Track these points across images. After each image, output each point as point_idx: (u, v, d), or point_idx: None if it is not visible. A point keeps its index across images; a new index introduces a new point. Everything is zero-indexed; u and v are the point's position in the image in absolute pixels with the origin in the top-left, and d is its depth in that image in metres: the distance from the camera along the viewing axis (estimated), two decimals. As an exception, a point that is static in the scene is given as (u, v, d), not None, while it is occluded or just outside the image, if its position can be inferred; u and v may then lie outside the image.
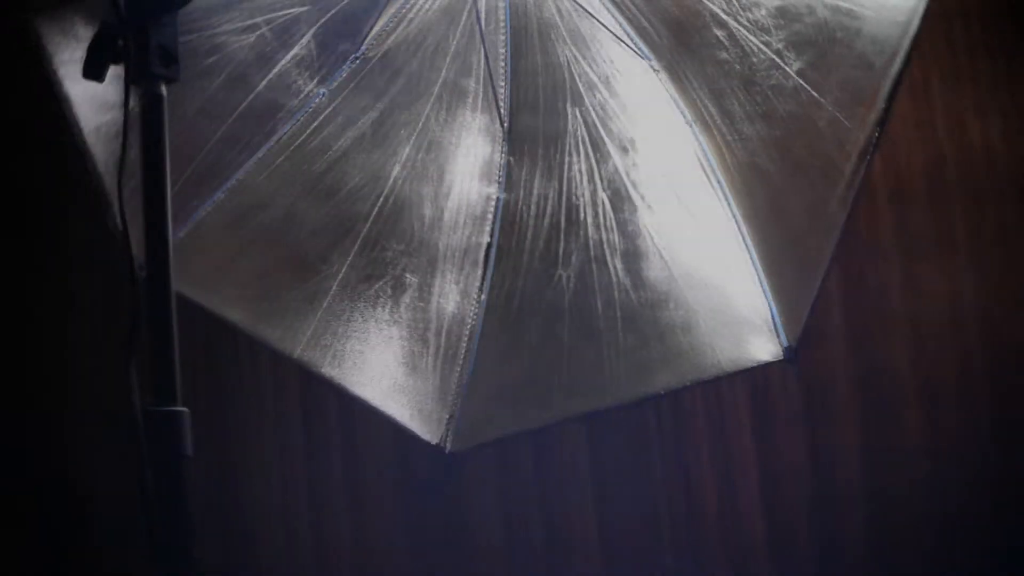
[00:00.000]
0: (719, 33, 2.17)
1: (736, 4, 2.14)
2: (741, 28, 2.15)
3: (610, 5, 2.21)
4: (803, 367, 3.11)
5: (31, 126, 2.87)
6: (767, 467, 3.37)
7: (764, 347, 2.24)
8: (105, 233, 1.82)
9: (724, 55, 2.18)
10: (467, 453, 2.39)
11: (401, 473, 3.14)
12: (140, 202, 1.25)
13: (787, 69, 2.13)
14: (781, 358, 2.20)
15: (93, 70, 1.32)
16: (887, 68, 2.03)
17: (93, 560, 2.88)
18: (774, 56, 2.13)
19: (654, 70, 2.25)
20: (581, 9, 2.19)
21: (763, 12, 2.12)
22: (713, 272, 2.31)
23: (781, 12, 2.12)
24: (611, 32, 2.18)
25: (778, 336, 2.23)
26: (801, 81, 2.12)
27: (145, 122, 1.29)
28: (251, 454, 3.05)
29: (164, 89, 1.29)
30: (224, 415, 3.05)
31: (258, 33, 2.12)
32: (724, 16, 2.15)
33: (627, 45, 2.19)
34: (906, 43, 2.00)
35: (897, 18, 2.03)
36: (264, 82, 2.15)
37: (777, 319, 2.24)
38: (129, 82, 1.29)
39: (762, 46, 2.14)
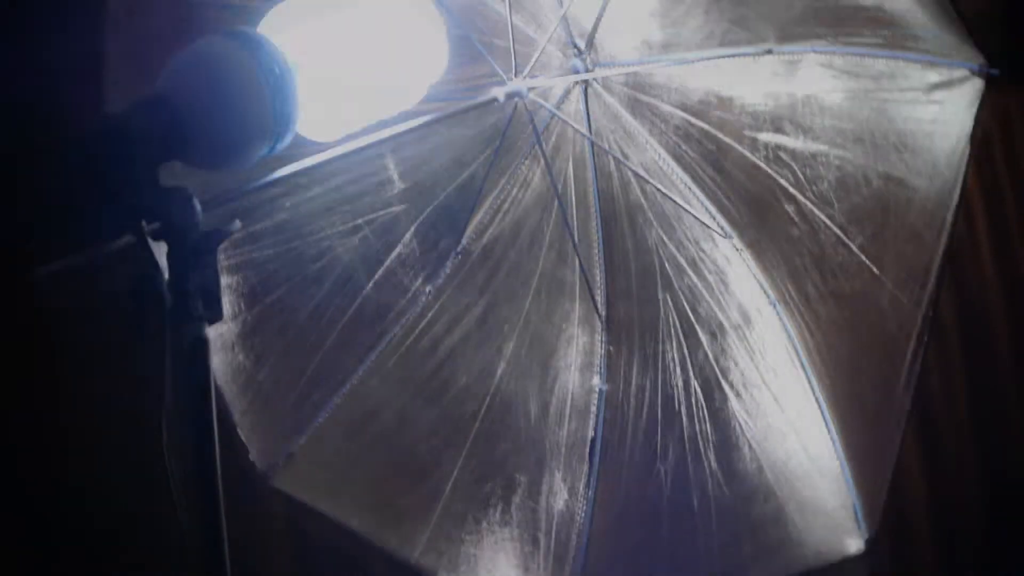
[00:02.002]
0: (789, 208, 2.53)
1: (802, 177, 2.51)
2: (808, 202, 2.50)
3: (690, 182, 2.65)
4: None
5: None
6: None
7: (848, 539, 2.48)
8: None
9: (795, 231, 2.51)
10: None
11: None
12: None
13: (851, 245, 2.44)
14: (863, 550, 2.47)
15: (132, 329, 1.48)
16: (936, 242, 2.36)
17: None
18: (839, 231, 2.46)
19: (736, 249, 2.66)
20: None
21: (825, 185, 2.49)
22: (801, 461, 2.52)
23: (841, 184, 2.46)
24: (694, 215, 2.65)
25: (859, 527, 2.50)
26: (863, 258, 2.42)
27: (190, 368, 1.49)
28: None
29: (207, 331, 1.52)
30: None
31: (361, 235, 2.59)
32: (792, 190, 2.53)
33: (710, 225, 2.65)
34: (950, 216, 2.34)
35: (944, 187, 2.37)
36: (371, 284, 2.62)
37: (859, 510, 2.51)
38: (170, 329, 1.50)
39: (827, 221, 2.48)
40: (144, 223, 1.58)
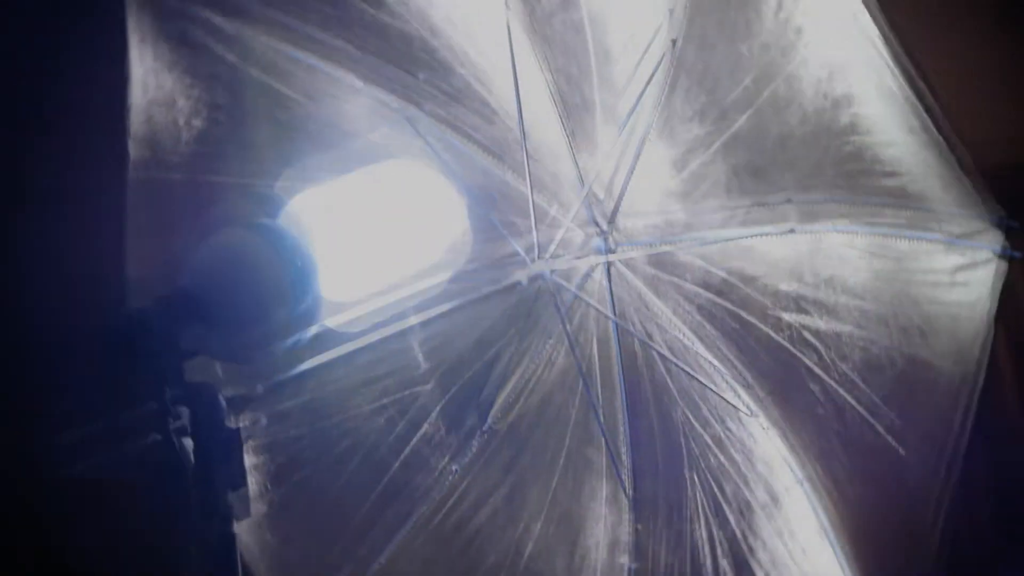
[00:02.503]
0: (815, 388, 2.54)
1: (827, 358, 2.54)
2: (833, 382, 2.52)
3: (715, 361, 2.67)
4: None
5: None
6: None
7: None
8: None
9: (821, 410, 2.52)
10: None
11: None
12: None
13: (877, 426, 2.47)
14: None
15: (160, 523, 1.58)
16: (963, 423, 2.37)
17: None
18: (864, 412, 2.47)
19: (763, 428, 2.67)
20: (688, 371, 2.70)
21: (850, 365, 2.51)
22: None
23: (866, 364, 2.47)
24: (719, 395, 2.66)
25: None
26: (890, 439, 2.45)
27: (217, 564, 1.53)
28: None
29: (235, 527, 1.56)
30: None
31: (387, 415, 2.60)
32: (817, 370, 2.55)
33: (735, 405, 2.66)
34: (975, 398, 2.36)
35: (968, 369, 2.39)
36: (398, 463, 2.62)
37: None
38: (197, 524, 1.54)
39: (853, 402, 2.49)
40: (171, 420, 1.60)
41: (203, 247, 1.91)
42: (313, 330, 1.91)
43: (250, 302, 1.80)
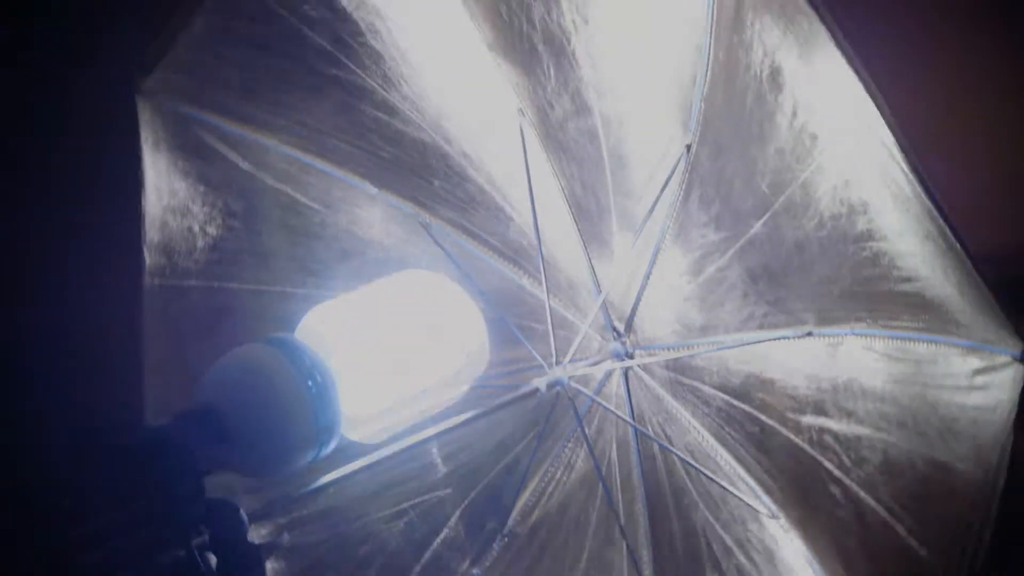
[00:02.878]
0: (835, 490, 2.54)
1: (847, 460, 2.54)
2: (854, 484, 2.52)
3: (735, 464, 2.67)
4: None
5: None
6: None
7: None
8: None
9: (842, 512, 2.53)
10: None
11: None
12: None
13: (898, 528, 2.47)
14: None
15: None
16: (984, 526, 2.37)
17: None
18: (885, 514, 2.47)
19: (784, 529, 2.66)
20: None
21: (871, 468, 2.51)
22: None
23: (886, 467, 2.47)
24: (740, 497, 2.66)
25: None
26: (911, 541, 2.44)
27: None
28: None
29: None
30: None
31: (407, 519, 2.64)
32: (838, 473, 2.55)
33: (756, 507, 2.66)
34: (995, 503, 2.36)
35: (989, 473, 2.39)
36: (418, 567, 2.67)
37: None
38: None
39: (874, 503, 2.49)
40: (193, 536, 1.62)
41: (221, 363, 1.93)
42: (333, 444, 1.93)
43: (269, 418, 1.82)
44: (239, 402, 1.81)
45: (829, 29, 1.99)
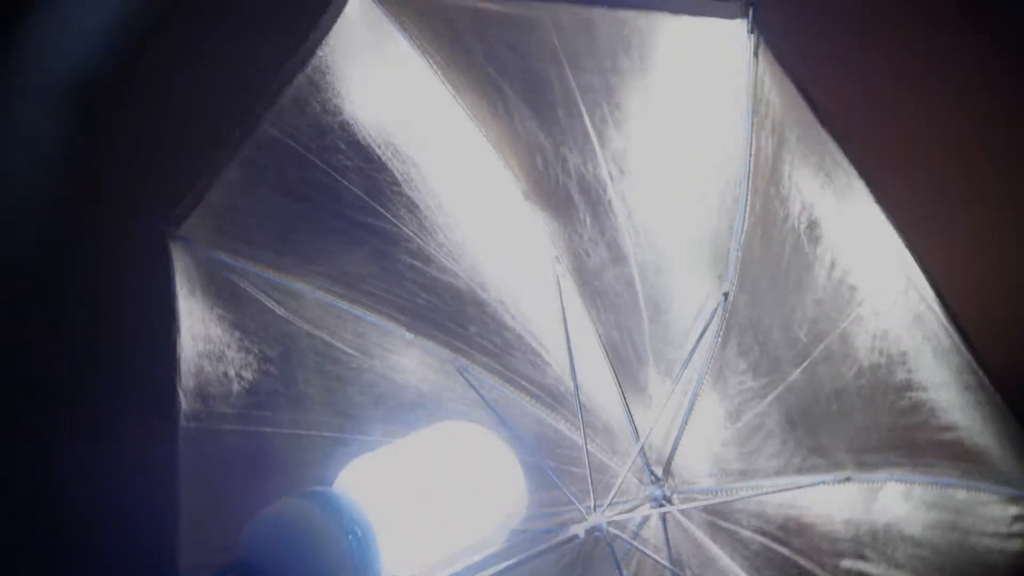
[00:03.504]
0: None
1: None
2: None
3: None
4: None
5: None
6: None
7: None
8: None
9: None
10: None
11: None
12: None
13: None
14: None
15: None
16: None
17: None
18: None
19: None
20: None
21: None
22: None
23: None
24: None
25: None
26: None
27: None
28: None
29: None
30: None
31: None
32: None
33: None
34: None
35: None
36: None
37: None
38: None
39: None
40: None
41: (261, 518, 1.94)
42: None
43: (309, 573, 1.83)
44: (280, 560, 1.82)
45: (868, 184, 2.04)
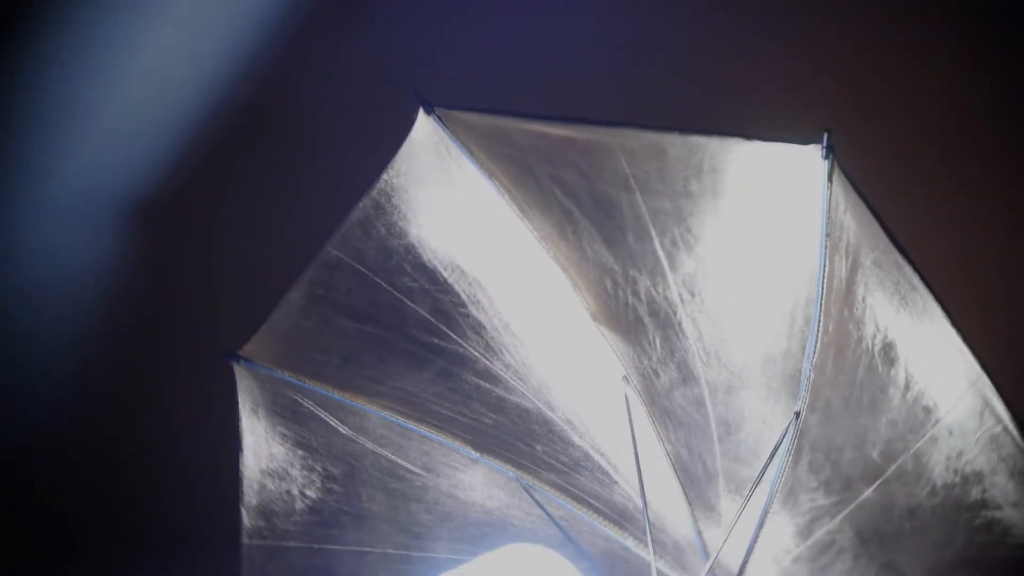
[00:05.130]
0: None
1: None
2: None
3: None
4: None
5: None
6: None
7: None
8: None
9: None
10: None
11: None
12: None
13: None
14: None
15: None
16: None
17: None
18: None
19: None
20: None
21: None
22: None
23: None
24: None
25: None
26: None
27: None
28: None
29: None
30: None
31: None
32: None
33: None
34: None
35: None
36: None
37: None
38: None
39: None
40: None
41: None
42: None
43: None
44: None
45: (944, 307, 2.11)
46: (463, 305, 2.76)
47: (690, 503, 2.73)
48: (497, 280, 2.75)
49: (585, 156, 2.47)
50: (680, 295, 2.54)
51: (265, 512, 3.06)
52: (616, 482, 2.83)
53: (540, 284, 2.71)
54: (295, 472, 3.04)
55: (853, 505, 2.50)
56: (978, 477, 2.29)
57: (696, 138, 2.29)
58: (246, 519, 3.06)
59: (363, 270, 2.79)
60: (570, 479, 2.87)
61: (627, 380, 2.71)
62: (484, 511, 2.97)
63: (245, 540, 3.07)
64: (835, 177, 2.20)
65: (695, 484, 2.73)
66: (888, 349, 2.30)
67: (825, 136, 2.17)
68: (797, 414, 2.53)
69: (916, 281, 2.15)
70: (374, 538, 3.04)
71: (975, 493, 2.31)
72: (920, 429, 2.32)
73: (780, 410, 2.56)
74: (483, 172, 2.64)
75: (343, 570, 3.06)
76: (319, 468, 3.03)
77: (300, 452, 3.02)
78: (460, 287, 2.75)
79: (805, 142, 2.21)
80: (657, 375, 2.67)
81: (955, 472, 2.31)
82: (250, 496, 3.05)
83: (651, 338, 2.63)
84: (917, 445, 2.34)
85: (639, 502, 2.74)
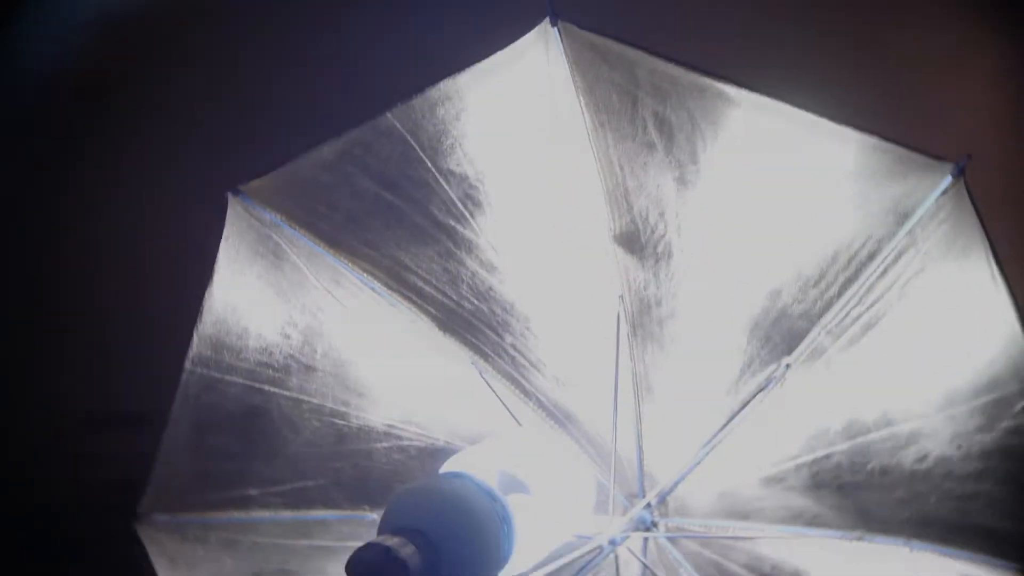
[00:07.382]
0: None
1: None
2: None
3: None
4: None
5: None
6: None
7: None
8: None
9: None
10: None
11: None
12: None
13: None
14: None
15: None
16: None
17: None
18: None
19: None
20: None
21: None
22: None
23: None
24: None
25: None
26: None
27: None
28: None
29: None
30: None
31: None
32: None
33: None
34: None
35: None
36: None
37: None
38: None
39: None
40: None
41: (422, 491, 2.25)
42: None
43: (476, 545, 2.18)
44: (449, 529, 2.10)
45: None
46: (496, 200, 2.95)
47: (640, 421, 3.02)
48: (538, 186, 2.98)
49: (703, 109, 2.74)
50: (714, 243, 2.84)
51: (216, 344, 3.16)
52: (574, 386, 3.08)
53: (577, 200, 2.97)
54: (258, 312, 3.15)
55: (820, 453, 2.83)
56: (984, 456, 2.62)
57: (841, 128, 2.61)
58: (196, 346, 3.16)
59: (412, 143, 2.94)
60: (528, 375, 3.09)
61: (622, 299, 2.97)
62: (430, 387, 3.17)
63: (188, 365, 3.16)
64: (953, 193, 2.55)
65: (652, 401, 3.03)
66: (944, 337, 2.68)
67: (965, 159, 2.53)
68: (788, 366, 2.86)
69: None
70: (316, 389, 3.19)
71: (972, 465, 2.63)
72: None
73: (774, 360, 2.87)
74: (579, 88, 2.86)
75: (276, 412, 3.19)
76: (283, 314, 3.15)
77: (269, 294, 3.14)
78: (501, 184, 2.94)
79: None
80: (659, 304, 2.93)
81: (959, 447, 2.64)
82: (207, 326, 3.15)
83: (670, 271, 2.90)
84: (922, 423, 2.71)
85: (592, 412, 3.02)
